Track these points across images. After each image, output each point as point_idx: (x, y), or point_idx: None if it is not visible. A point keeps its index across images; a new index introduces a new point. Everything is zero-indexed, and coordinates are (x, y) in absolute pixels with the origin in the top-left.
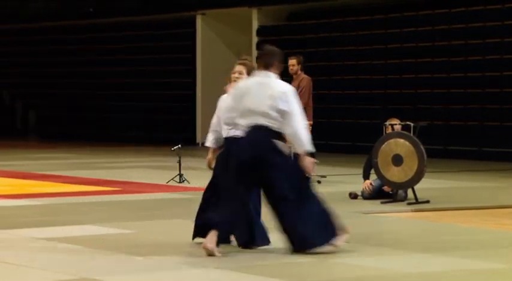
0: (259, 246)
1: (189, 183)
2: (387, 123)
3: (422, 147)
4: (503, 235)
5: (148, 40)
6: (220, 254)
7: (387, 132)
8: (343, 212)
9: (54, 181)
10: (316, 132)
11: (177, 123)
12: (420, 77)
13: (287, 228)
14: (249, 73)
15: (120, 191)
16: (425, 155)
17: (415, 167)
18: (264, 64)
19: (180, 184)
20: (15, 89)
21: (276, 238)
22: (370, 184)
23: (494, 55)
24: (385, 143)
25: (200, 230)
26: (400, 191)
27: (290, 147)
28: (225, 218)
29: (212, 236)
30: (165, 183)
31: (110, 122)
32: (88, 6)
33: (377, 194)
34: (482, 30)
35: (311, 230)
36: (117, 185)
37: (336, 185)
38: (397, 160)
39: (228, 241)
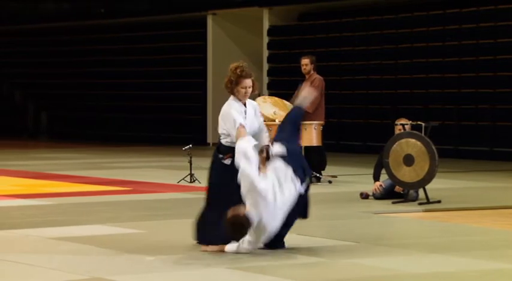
0: None
1: (199, 183)
2: (397, 123)
3: (433, 147)
4: None
5: (160, 40)
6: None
7: (397, 132)
8: (354, 212)
9: (65, 181)
10: (327, 132)
11: (188, 123)
12: (431, 77)
13: None
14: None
15: (131, 191)
16: (436, 155)
17: (426, 167)
18: None
19: (191, 184)
20: (26, 90)
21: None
22: (380, 185)
23: (505, 55)
24: (396, 143)
25: None
26: (412, 191)
27: None
28: None
29: None
30: (176, 183)
31: (120, 123)
32: (99, 7)
33: (388, 194)
34: (493, 30)
35: None
36: (128, 185)
37: (347, 185)
38: (409, 160)
39: None
